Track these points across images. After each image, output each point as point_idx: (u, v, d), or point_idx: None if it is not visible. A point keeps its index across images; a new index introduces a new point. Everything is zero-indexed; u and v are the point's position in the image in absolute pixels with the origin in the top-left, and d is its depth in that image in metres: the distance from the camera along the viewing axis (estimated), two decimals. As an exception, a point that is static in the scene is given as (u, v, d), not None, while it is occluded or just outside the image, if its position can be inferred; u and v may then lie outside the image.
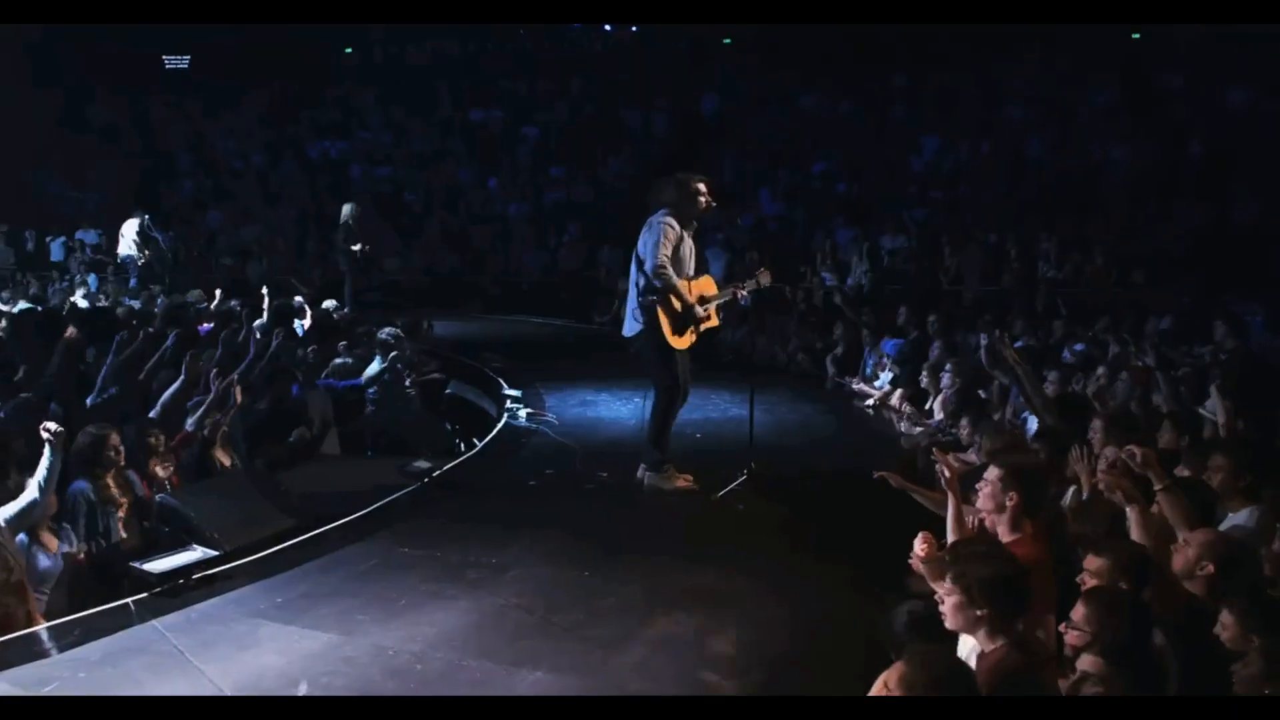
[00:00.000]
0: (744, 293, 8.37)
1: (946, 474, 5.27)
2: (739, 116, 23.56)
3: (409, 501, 7.82)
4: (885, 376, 11.12)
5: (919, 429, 9.51)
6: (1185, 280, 15.30)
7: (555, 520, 7.47)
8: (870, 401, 11.01)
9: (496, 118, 24.82)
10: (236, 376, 8.44)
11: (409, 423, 9.87)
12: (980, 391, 9.25)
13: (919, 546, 5.15)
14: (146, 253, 18.12)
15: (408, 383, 10.30)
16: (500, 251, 20.88)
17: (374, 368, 10.34)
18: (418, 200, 22.81)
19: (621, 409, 10.68)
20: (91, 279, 18.73)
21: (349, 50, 26.73)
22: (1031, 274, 16.93)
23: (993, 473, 5.00)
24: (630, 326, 8.06)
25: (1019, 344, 11.09)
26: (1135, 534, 5.15)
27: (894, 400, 10.61)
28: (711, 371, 11.58)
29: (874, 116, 22.80)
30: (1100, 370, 8.96)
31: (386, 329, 10.61)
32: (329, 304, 14.73)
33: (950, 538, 5.32)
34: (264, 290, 15.95)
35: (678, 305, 7.90)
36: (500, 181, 22.89)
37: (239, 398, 8.30)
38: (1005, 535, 5.06)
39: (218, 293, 15.45)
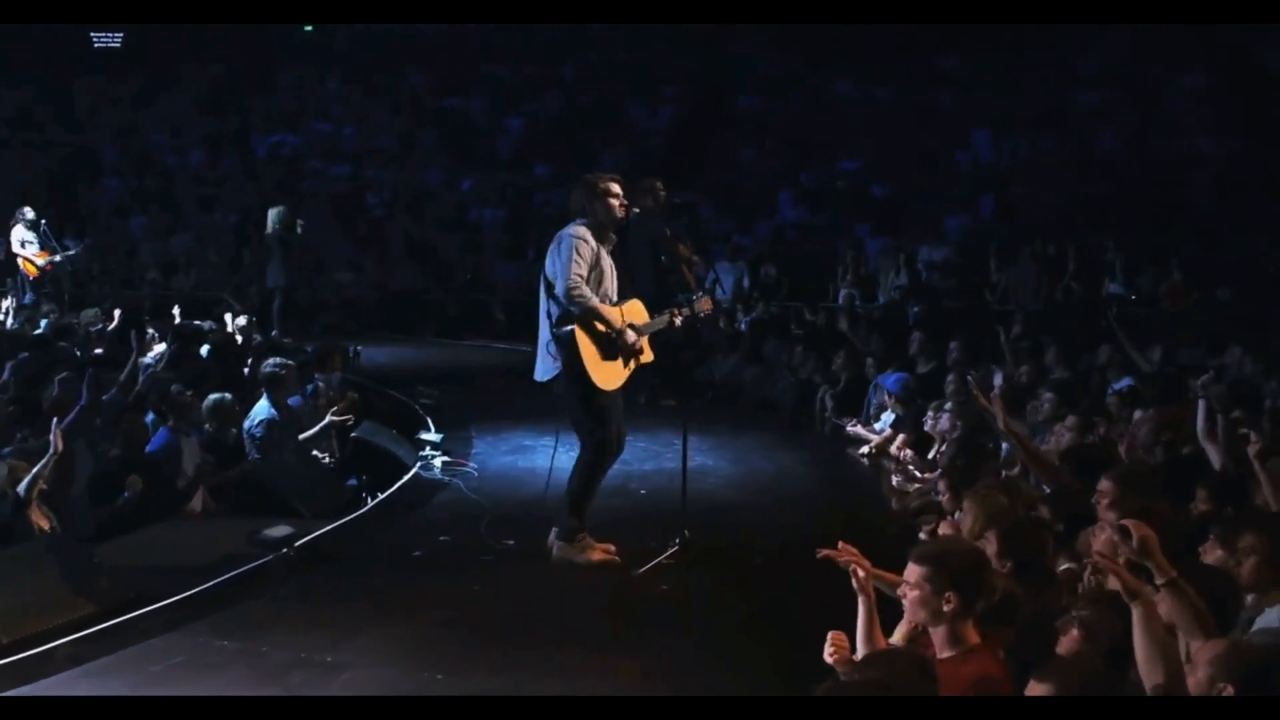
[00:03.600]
0: (679, 321, 7.77)
1: (859, 574, 4.77)
2: (758, 105, 23.03)
3: (251, 578, 7.23)
4: (887, 418, 10.46)
5: (913, 485, 8.84)
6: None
7: (430, 601, 6.90)
8: (865, 449, 10.36)
9: (476, 107, 24.37)
10: (56, 420, 7.87)
11: (295, 476, 9.27)
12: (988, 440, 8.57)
13: (828, 650, 4.68)
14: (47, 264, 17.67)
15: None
16: (469, 263, 20.36)
17: (260, 410, 9.77)
18: (380, 203, 22.37)
19: (560, 459, 10.08)
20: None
21: (309, 29, 26.33)
22: (1095, 291, 16.31)
23: (913, 572, 4.43)
24: (545, 368, 7.53)
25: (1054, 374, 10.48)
26: (1139, 644, 4.45)
27: (894, 447, 9.95)
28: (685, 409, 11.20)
29: (917, 105, 22.22)
30: (1138, 414, 8.26)
31: (271, 360, 10.04)
32: (239, 321, 14.20)
33: (860, 651, 4.76)
34: (174, 310, 15.58)
35: (602, 329, 7.35)
36: (475, 182, 22.42)
37: (59, 445, 7.72)
38: (943, 650, 4.46)
39: (116, 314, 14.99)
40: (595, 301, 7.28)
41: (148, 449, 8.69)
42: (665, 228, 9.98)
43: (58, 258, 17.68)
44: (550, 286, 7.34)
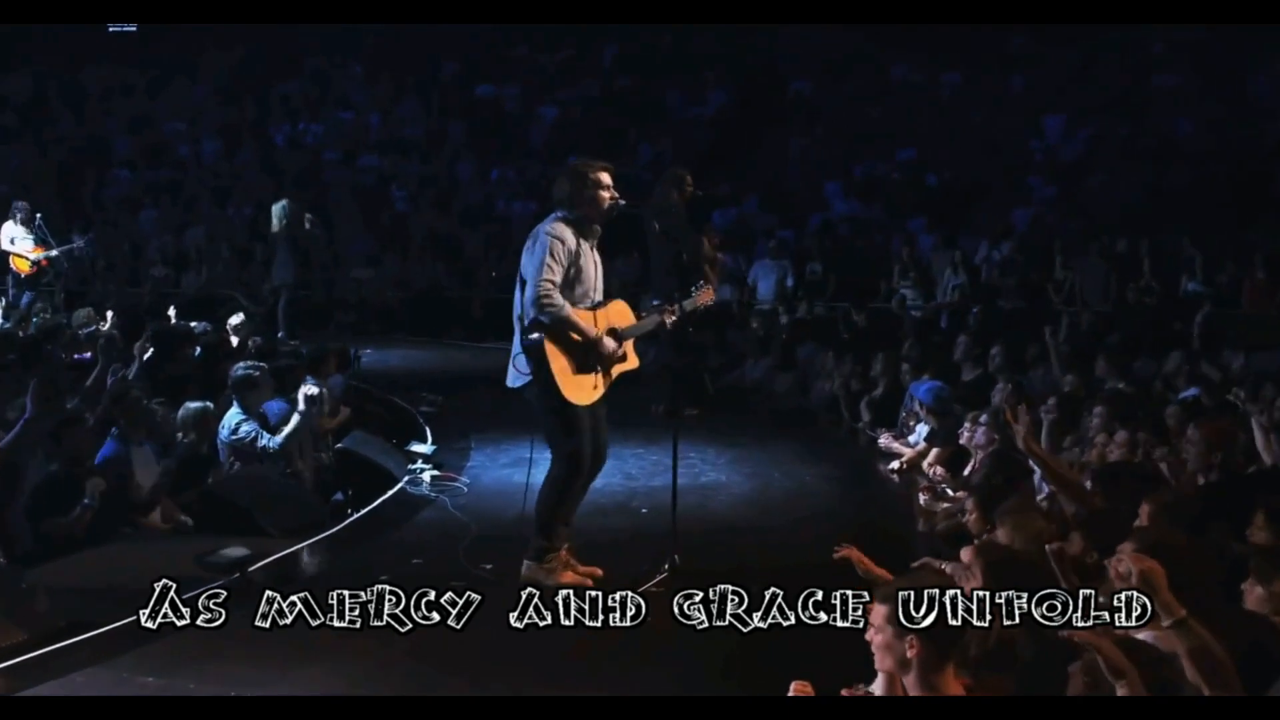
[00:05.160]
0: (672, 319, 7.39)
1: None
2: (809, 91, 22.61)
3: (193, 605, 6.91)
4: (921, 430, 10.02)
5: (943, 504, 8.39)
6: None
7: (387, 631, 6.53)
8: (895, 464, 9.92)
9: (508, 94, 24.13)
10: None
11: (263, 490, 8.97)
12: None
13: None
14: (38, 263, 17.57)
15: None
16: (496, 260, 20.07)
17: (231, 417, 9.49)
18: (404, 196, 22.16)
19: (537, 474, 9.76)
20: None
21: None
22: (1172, 290, 15.81)
23: (877, 614, 4.16)
24: (513, 376, 7.21)
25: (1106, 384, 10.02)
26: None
27: (927, 463, 9.52)
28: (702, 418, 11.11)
29: (985, 90, 21.72)
30: (1191, 431, 7.77)
31: (240, 365, 9.75)
32: (234, 321, 13.98)
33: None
34: (170, 311, 15.43)
35: (576, 338, 7.01)
36: (505, 173, 22.15)
37: (0, 459, 7.48)
38: (918, 700, 4.12)
39: (109, 314, 14.85)
40: (567, 310, 6.95)
41: (97, 461, 8.38)
42: (655, 222, 9.66)
43: (54, 253, 17.57)
44: (525, 286, 7.03)
